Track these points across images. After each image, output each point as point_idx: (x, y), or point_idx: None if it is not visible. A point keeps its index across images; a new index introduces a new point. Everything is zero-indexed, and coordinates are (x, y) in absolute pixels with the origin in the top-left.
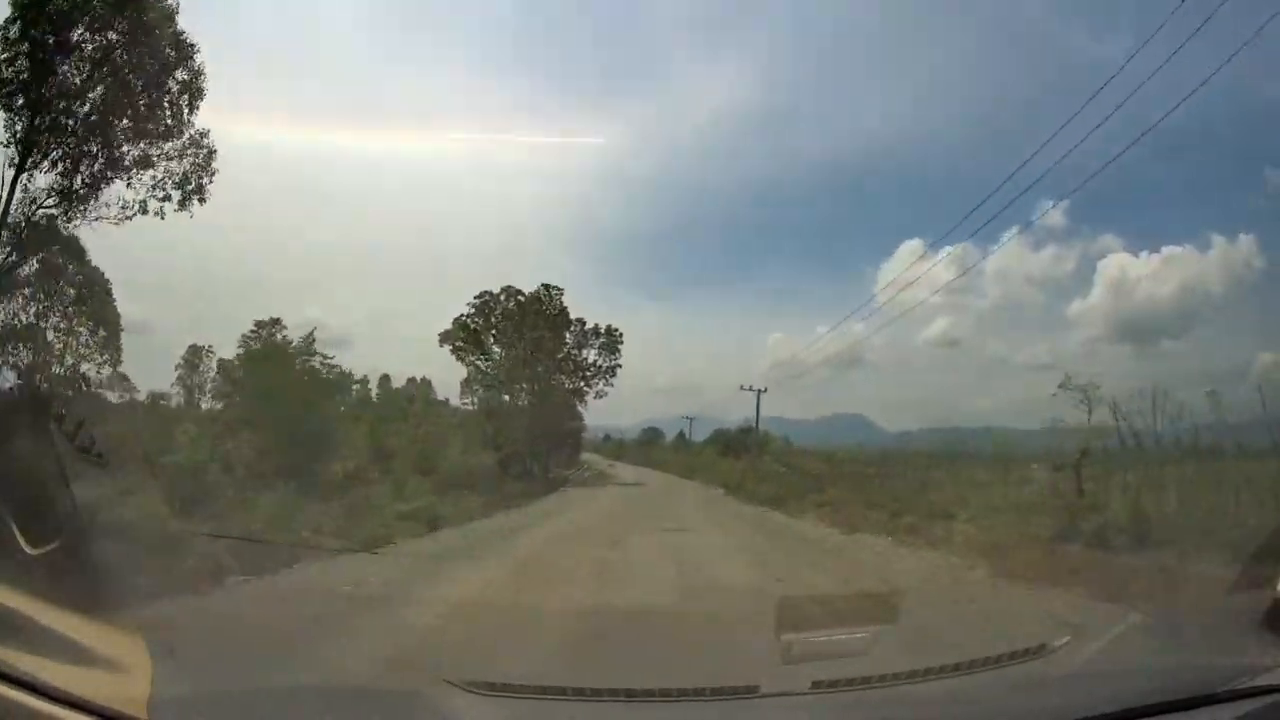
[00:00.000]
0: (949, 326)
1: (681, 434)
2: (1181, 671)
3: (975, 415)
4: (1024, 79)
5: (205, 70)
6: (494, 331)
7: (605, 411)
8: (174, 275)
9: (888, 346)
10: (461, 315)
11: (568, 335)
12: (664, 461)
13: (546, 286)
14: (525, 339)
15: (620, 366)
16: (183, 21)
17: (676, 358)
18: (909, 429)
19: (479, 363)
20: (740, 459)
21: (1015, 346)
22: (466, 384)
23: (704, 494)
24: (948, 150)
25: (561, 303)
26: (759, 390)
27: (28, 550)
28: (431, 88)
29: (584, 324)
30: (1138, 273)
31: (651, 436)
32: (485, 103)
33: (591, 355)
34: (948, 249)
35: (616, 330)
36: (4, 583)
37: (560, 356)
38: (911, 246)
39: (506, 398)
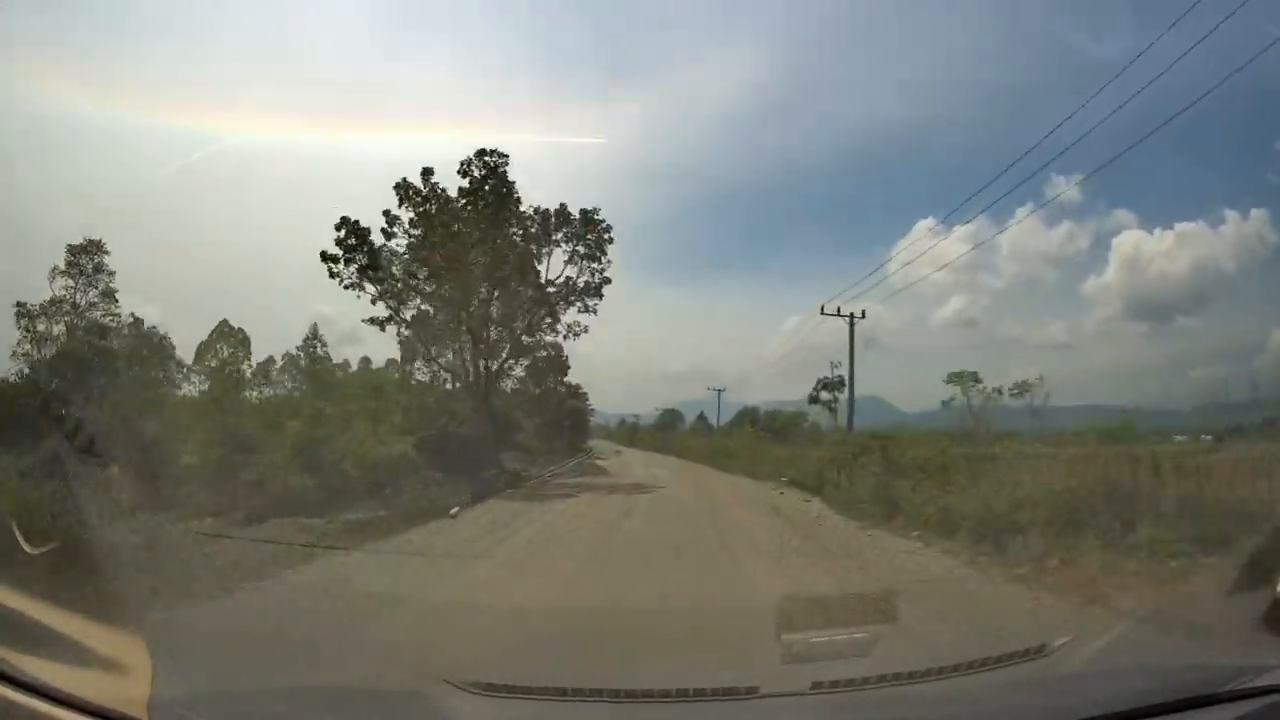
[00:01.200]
0: (965, 306)
1: (702, 416)
2: (1181, 671)
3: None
4: (1040, 58)
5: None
6: (410, 237)
7: (619, 397)
8: (189, 280)
9: (904, 328)
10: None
11: (519, 228)
12: (687, 448)
13: (482, 153)
14: (456, 241)
15: (609, 281)
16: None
17: (693, 343)
18: (927, 409)
19: (374, 286)
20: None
21: (1031, 325)
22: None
23: (797, 508)
24: (966, 129)
25: (508, 180)
26: (852, 318)
27: (27, 549)
28: (439, 76)
29: (549, 214)
30: (1152, 249)
31: (670, 420)
32: (497, 89)
33: (561, 259)
34: (960, 226)
35: (600, 219)
36: (4, 583)
37: (508, 269)
38: (927, 225)
39: (447, 360)
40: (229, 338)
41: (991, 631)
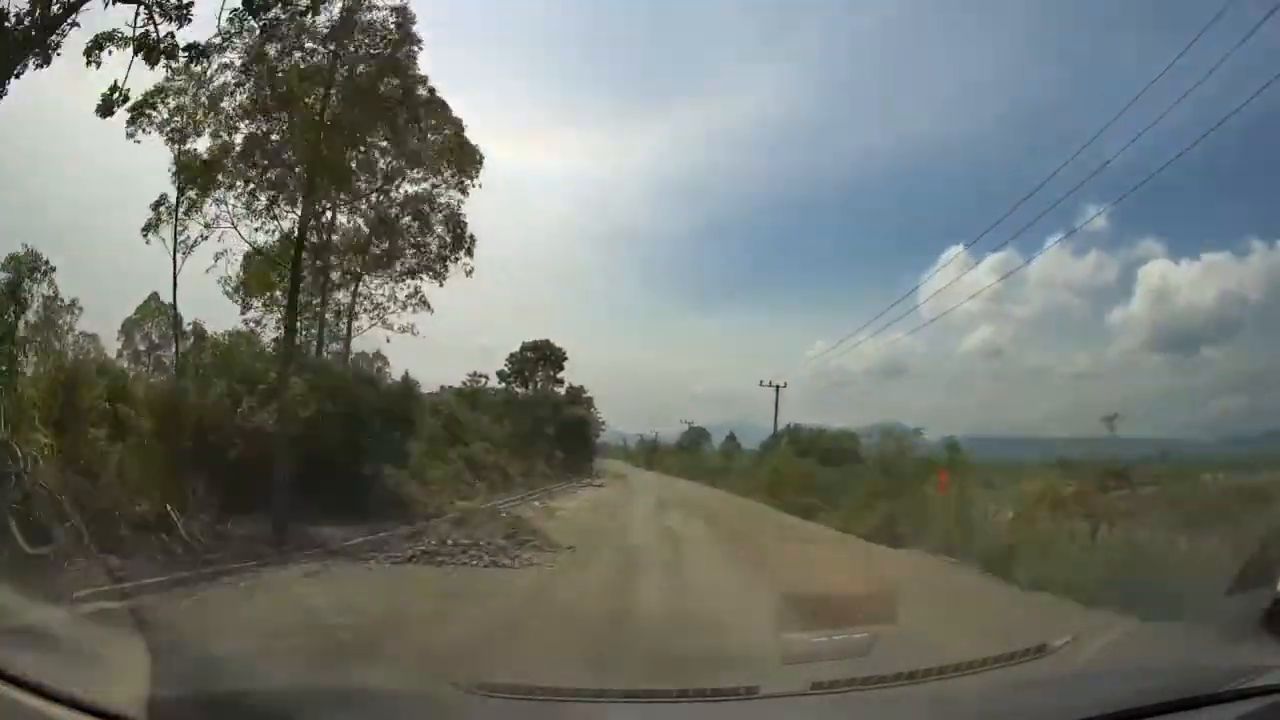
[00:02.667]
0: (991, 335)
1: (732, 436)
2: (1181, 671)
3: (1018, 424)
4: (1066, 84)
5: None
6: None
7: (640, 417)
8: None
9: (930, 356)
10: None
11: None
12: (717, 472)
13: None
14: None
15: (478, 181)
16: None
17: (716, 365)
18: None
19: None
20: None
21: (1057, 355)
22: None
23: None
24: (996, 155)
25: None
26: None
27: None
28: (467, 95)
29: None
30: (1178, 279)
31: (695, 439)
32: (524, 109)
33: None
34: (987, 256)
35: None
36: (4, 582)
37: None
38: (954, 254)
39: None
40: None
41: None
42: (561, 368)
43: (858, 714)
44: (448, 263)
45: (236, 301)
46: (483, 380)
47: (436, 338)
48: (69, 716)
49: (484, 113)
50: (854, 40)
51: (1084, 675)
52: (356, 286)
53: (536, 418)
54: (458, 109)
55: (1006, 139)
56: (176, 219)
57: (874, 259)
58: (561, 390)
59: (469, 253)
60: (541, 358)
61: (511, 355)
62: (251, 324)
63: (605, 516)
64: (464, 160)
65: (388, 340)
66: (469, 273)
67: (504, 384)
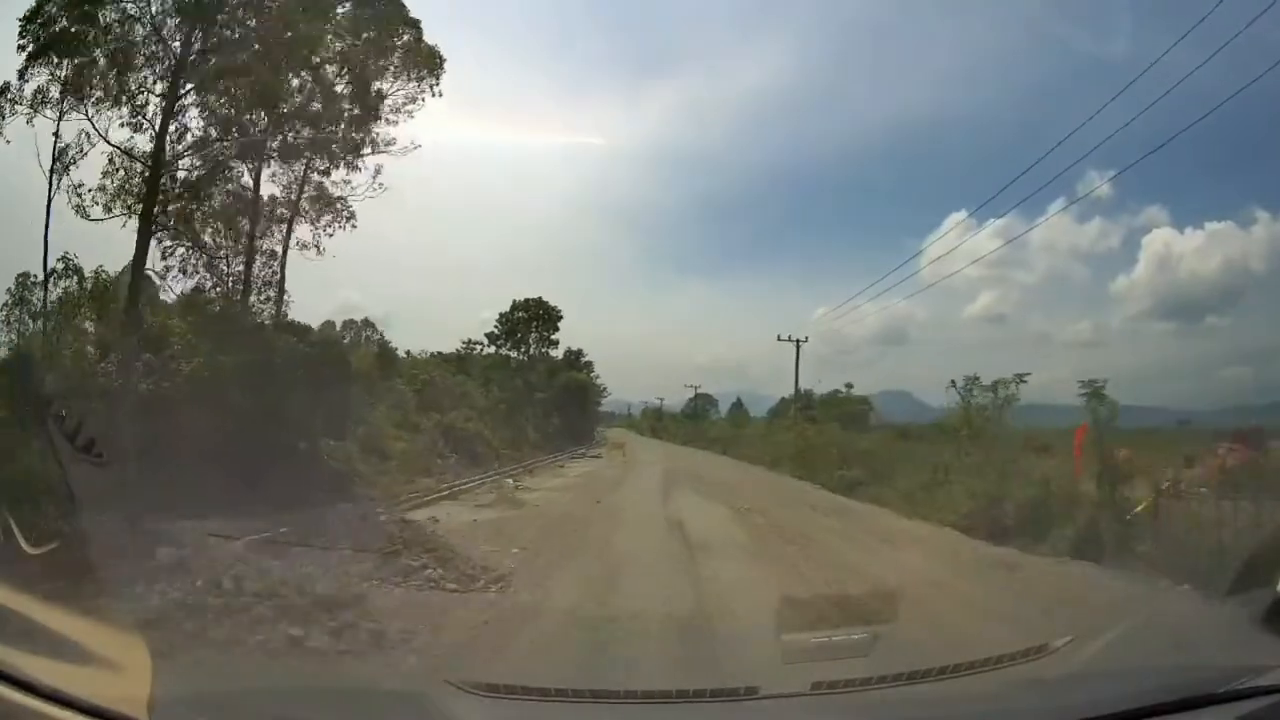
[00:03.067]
0: (994, 301)
1: (739, 403)
2: (1182, 671)
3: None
4: (1070, 53)
5: None
6: None
7: (645, 386)
8: None
9: (932, 323)
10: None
11: None
12: (727, 440)
13: None
14: None
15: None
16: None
17: (720, 334)
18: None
19: None
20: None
21: (1059, 323)
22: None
23: None
24: (996, 124)
25: None
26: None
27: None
28: (465, 68)
29: None
30: (1182, 248)
31: (700, 407)
32: (522, 82)
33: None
34: (989, 222)
35: None
36: (4, 582)
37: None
38: (957, 218)
39: None
40: None
41: None
42: (556, 328)
43: (858, 714)
44: (359, 147)
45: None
46: (477, 347)
47: (440, 312)
48: (69, 716)
49: (475, 82)
50: (852, 9)
51: (1084, 675)
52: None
53: (528, 382)
54: (453, 83)
55: (1010, 110)
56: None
57: (876, 226)
58: (558, 354)
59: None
60: (534, 317)
61: (502, 315)
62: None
63: (589, 502)
64: (428, 64)
65: (318, 248)
66: (377, 175)
67: (495, 347)
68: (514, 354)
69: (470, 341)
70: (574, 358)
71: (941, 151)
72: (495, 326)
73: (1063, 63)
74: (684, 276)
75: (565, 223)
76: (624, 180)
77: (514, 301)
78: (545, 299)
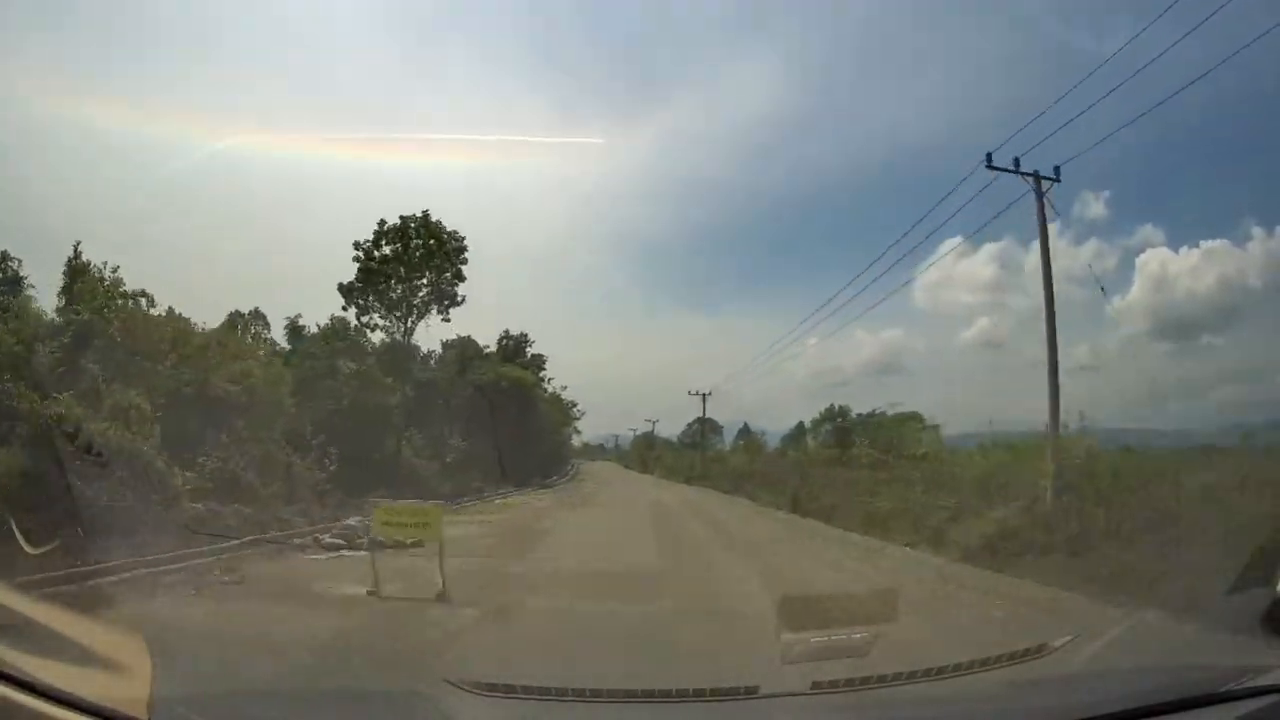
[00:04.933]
0: (989, 327)
1: (746, 428)
2: (1182, 671)
3: (1020, 419)
4: (1061, 74)
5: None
6: None
7: (635, 418)
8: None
9: (926, 350)
10: None
11: None
12: (741, 474)
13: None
14: None
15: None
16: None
17: (714, 365)
18: (955, 432)
19: None
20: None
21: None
22: None
23: None
24: (983, 148)
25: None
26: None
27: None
28: (463, 96)
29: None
30: (1177, 268)
31: (703, 434)
32: (519, 109)
33: None
34: (984, 246)
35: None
36: (4, 582)
37: None
38: (952, 244)
39: None
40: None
41: None
42: (459, 269)
43: (858, 714)
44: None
45: None
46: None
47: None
48: (69, 716)
49: (472, 111)
50: (842, 38)
51: (1084, 675)
52: None
53: (421, 379)
54: (450, 109)
55: (1000, 133)
56: None
57: (870, 254)
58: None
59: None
60: (425, 253)
61: (362, 249)
62: None
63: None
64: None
65: None
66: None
67: (354, 308)
68: (384, 322)
69: (296, 320)
70: (514, 346)
71: (935, 179)
72: (357, 275)
73: (1054, 82)
74: (679, 309)
75: (555, 254)
76: (615, 212)
77: (383, 224)
78: (436, 218)
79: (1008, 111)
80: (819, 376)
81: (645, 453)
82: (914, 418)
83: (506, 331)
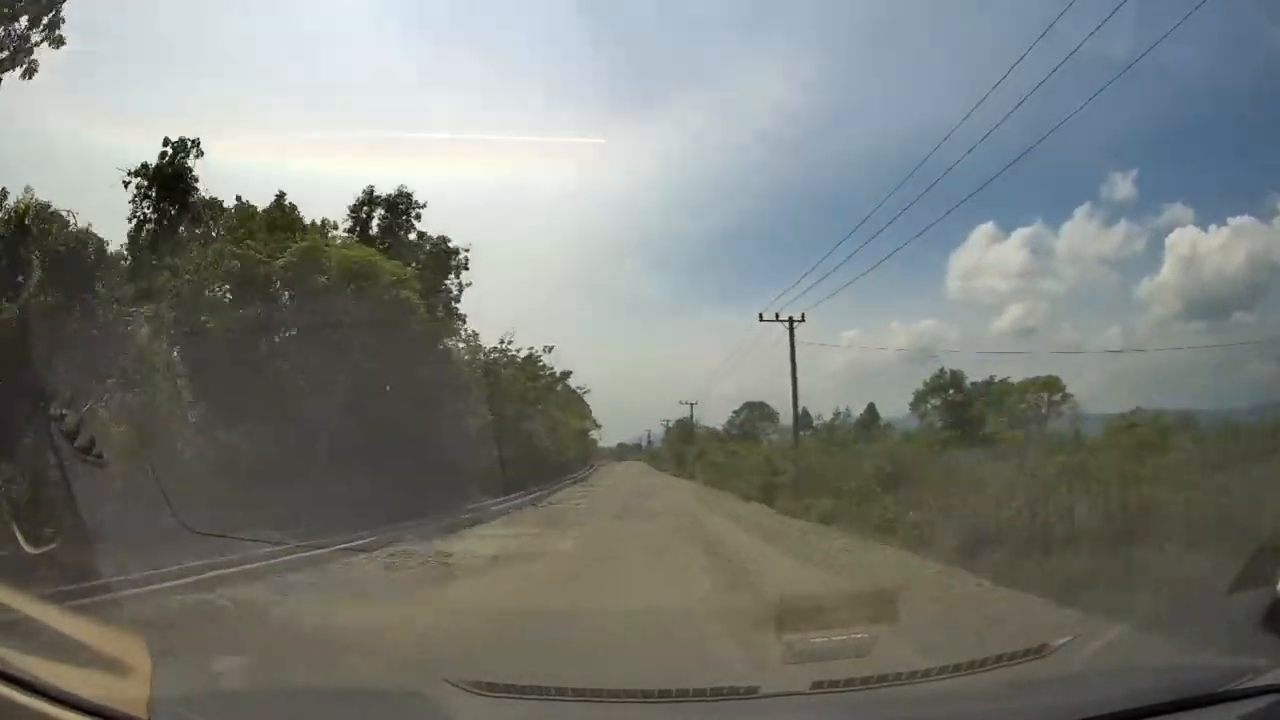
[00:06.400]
0: (1022, 314)
1: (806, 414)
2: (1181, 671)
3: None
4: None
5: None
6: None
7: (664, 414)
8: None
9: (962, 338)
10: None
11: None
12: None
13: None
14: None
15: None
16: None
17: (745, 363)
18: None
19: None
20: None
21: (1089, 331)
22: None
23: None
24: (1001, 144)
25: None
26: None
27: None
28: (474, 97)
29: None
30: (1207, 246)
31: (750, 426)
32: (533, 108)
33: None
34: (1016, 232)
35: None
36: (4, 582)
37: None
38: (984, 230)
39: None
40: None
41: None
42: (413, 214)
43: (858, 714)
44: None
45: None
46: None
47: None
48: (69, 717)
49: (484, 112)
50: (857, 35)
51: (1084, 675)
52: None
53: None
54: (458, 112)
55: (1014, 129)
56: None
57: (905, 246)
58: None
59: None
60: (389, 207)
61: (351, 208)
62: None
63: None
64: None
65: None
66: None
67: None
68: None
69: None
70: (436, 248)
71: (955, 170)
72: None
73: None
74: (707, 306)
75: (576, 254)
76: (641, 212)
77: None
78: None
79: (1023, 109)
80: (855, 366)
81: (681, 448)
82: (1050, 383)
83: (426, 234)
